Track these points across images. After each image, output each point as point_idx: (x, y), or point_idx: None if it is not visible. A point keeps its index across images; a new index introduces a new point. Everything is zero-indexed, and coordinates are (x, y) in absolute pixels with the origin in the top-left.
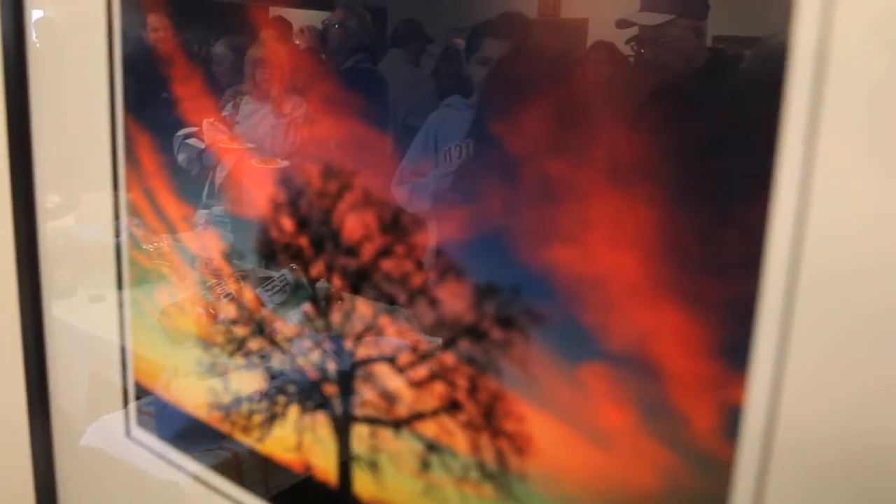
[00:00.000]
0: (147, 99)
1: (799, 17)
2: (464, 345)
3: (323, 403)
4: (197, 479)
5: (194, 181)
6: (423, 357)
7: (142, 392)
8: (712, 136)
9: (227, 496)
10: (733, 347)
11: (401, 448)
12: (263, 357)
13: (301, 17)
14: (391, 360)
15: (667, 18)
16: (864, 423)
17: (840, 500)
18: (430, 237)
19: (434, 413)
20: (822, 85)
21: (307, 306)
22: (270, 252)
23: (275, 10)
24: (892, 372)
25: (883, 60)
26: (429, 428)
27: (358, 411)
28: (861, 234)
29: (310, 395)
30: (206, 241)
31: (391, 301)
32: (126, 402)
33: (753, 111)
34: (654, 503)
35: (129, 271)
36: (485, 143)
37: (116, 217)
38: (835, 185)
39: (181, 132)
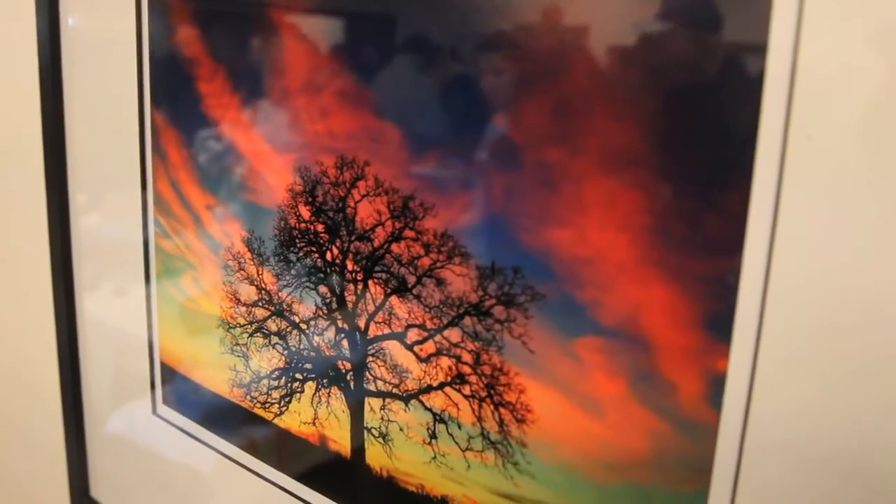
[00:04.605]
0: (173, 96)
1: (774, 27)
2: (469, 322)
3: (338, 379)
4: (221, 453)
5: (217, 174)
6: (431, 334)
7: (167, 373)
8: (705, 131)
9: (248, 469)
10: (716, 320)
11: (410, 419)
12: (282, 336)
13: (318, 25)
14: (401, 338)
15: (680, 26)
16: (836, 393)
17: (811, 463)
18: (438, 222)
19: (441, 386)
20: (793, 88)
21: (322, 289)
22: (285, 241)
23: (292, 17)
24: (858, 348)
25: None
26: (436, 400)
27: (370, 386)
28: (826, 225)
29: (325, 371)
30: (228, 230)
31: (402, 283)
32: (153, 384)
33: (740, 109)
34: (644, 466)
35: (157, 261)
36: (491, 140)
37: (144, 209)
38: (805, 175)
39: (198, 130)
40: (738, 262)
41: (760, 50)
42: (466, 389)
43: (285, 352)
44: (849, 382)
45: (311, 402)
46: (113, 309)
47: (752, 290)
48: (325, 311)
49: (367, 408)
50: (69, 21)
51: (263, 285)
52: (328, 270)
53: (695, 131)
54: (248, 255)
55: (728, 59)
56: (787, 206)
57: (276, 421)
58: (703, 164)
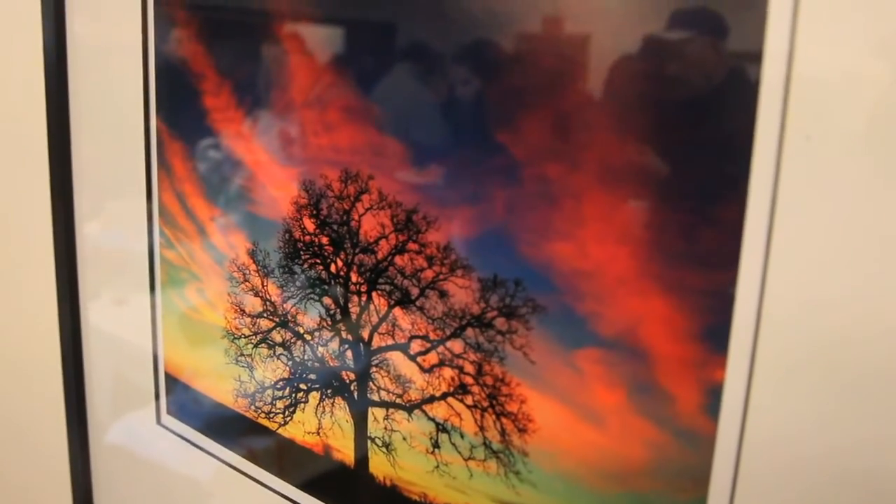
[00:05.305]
0: (178, 109)
1: (769, 35)
2: (471, 333)
3: (342, 389)
4: (225, 463)
5: (222, 186)
6: (434, 345)
7: (171, 383)
8: (702, 144)
9: (252, 479)
10: (714, 331)
11: (413, 429)
12: (286, 347)
13: (323, 40)
14: (404, 349)
15: (692, 36)
16: (831, 404)
17: (807, 472)
18: (440, 235)
19: (443, 396)
20: (788, 98)
21: (326, 301)
22: (290, 253)
23: (292, 27)
24: (854, 359)
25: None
26: (439, 410)
27: (374, 396)
28: (822, 236)
29: (329, 382)
30: (233, 241)
31: (405, 294)
32: (157, 394)
33: (736, 121)
34: (643, 475)
35: (161, 271)
36: (492, 155)
37: (150, 221)
38: (801, 187)
39: (203, 143)
40: (734, 274)
41: (756, 58)
42: (469, 399)
43: (290, 362)
44: (845, 393)
45: (315, 412)
46: (117, 319)
47: (749, 301)
48: (330, 323)
49: (370, 417)
50: (75, 32)
51: (268, 296)
52: (332, 282)
53: (691, 144)
54: (253, 266)
55: (725, 71)
56: (783, 218)
57: (280, 431)
58: (700, 176)
